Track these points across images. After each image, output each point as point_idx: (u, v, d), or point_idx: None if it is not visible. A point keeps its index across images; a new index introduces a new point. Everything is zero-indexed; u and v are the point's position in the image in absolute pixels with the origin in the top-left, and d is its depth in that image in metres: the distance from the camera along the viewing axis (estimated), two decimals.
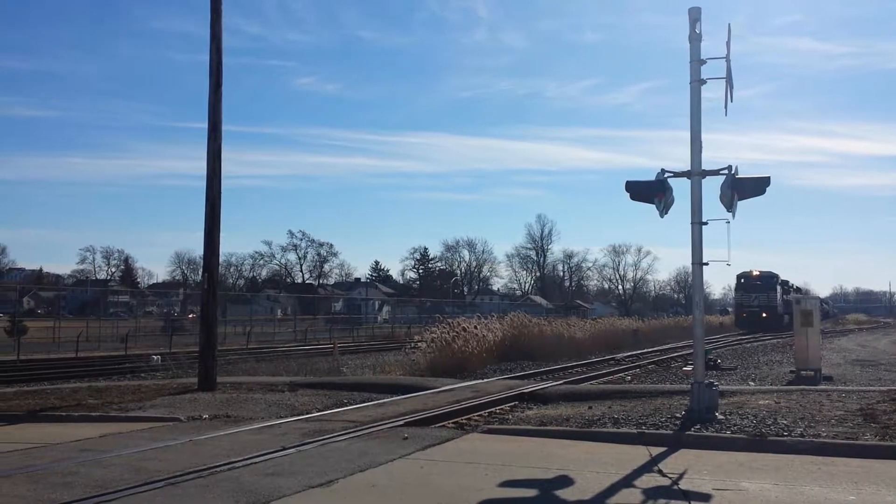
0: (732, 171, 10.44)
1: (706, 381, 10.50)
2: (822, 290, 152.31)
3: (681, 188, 10.87)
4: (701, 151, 10.72)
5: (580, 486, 7.08)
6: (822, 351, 19.54)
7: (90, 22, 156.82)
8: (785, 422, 9.83)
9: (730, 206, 10.44)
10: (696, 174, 10.68)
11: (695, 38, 10.76)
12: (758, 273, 59.10)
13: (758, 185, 10.54)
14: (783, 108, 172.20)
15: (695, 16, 10.75)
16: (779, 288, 59.78)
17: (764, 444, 8.74)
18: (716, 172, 10.64)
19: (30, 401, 14.58)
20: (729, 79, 10.65)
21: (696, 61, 10.75)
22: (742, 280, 59.77)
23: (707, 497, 6.62)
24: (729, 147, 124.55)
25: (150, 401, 13.77)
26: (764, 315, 56.94)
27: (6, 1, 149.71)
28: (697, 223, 10.67)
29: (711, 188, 10.70)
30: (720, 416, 10.19)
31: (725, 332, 57.16)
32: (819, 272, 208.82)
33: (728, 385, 15.17)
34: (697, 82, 10.76)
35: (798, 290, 71.61)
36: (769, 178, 10.50)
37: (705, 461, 8.11)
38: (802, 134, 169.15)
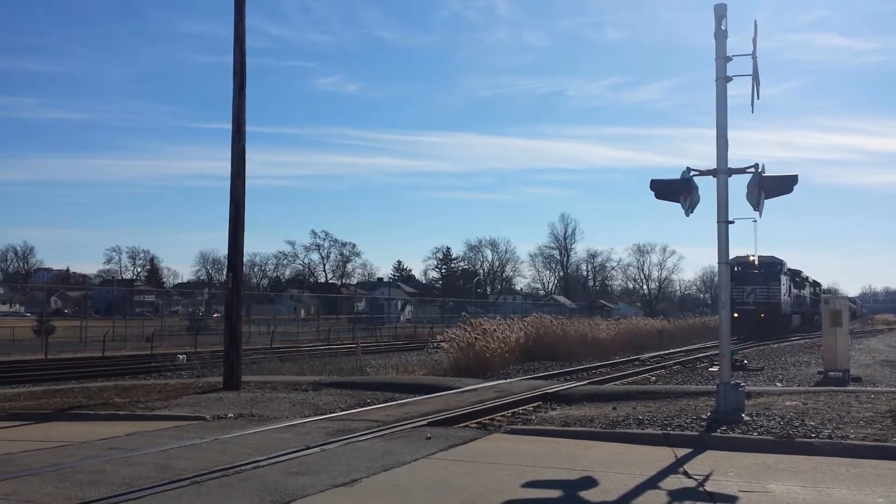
0: (759, 170, 10.33)
1: (732, 382, 10.39)
2: (851, 289, 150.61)
3: (706, 187, 10.77)
4: (727, 149, 10.61)
5: (604, 487, 7.03)
6: (850, 351, 19.31)
7: (115, 25, 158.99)
8: (812, 423, 9.70)
9: (756, 205, 10.33)
10: (722, 172, 10.57)
11: (720, 35, 10.66)
12: (755, 259, 42.03)
13: (785, 184, 10.42)
14: (810, 106, 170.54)
15: (720, 12, 10.64)
16: (784, 279, 46.76)
17: (791, 446, 8.63)
18: (742, 171, 10.52)
19: (57, 399, 14.76)
20: (756, 76, 10.53)
21: (722, 58, 10.65)
22: (735, 268, 45.63)
23: (733, 499, 6.55)
24: (754, 145, 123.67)
25: (176, 400, 13.87)
26: (762, 315, 43.60)
27: (34, 5, 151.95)
28: (724, 222, 10.56)
29: (738, 186, 10.60)
30: (747, 418, 10.08)
31: None
32: (848, 271, 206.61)
33: (755, 386, 15.02)
34: (723, 79, 10.65)
35: (817, 284, 63.00)
36: (796, 176, 10.38)
37: (731, 463, 8.02)
38: (830, 131, 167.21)
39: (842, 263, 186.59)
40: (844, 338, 17.78)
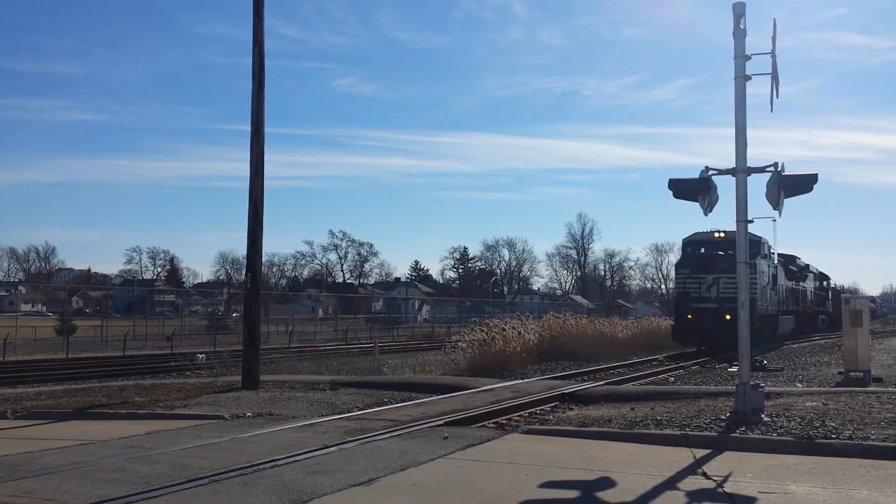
0: (779, 169, 10.26)
1: (752, 383, 10.31)
2: (872, 289, 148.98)
3: (725, 186, 10.70)
4: (746, 148, 10.53)
5: (622, 487, 7.00)
6: (871, 352, 19.11)
7: (137, 27, 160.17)
8: (833, 424, 9.60)
9: (776, 205, 10.26)
10: (741, 171, 10.49)
11: (739, 34, 10.58)
12: (721, 235, 28.56)
13: (805, 183, 10.34)
14: (829, 104, 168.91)
15: (739, 11, 10.56)
16: (766, 265, 31.90)
17: (811, 447, 8.56)
18: (761, 170, 10.45)
19: (78, 398, 14.90)
20: (775, 75, 10.45)
21: (741, 57, 10.56)
22: (691, 249, 31.32)
23: (752, 500, 6.50)
24: (774, 144, 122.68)
25: (195, 399, 13.96)
26: (729, 317, 25.56)
27: (59, 8, 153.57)
28: (743, 221, 10.49)
29: (757, 186, 10.52)
30: (766, 418, 10.00)
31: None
32: (868, 271, 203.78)
33: (774, 386, 14.89)
34: (742, 78, 10.57)
35: (824, 276, 53.23)
36: (816, 175, 10.29)
37: (751, 464, 7.96)
38: (849, 130, 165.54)
39: (862, 263, 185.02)
40: (865, 338, 17.62)
